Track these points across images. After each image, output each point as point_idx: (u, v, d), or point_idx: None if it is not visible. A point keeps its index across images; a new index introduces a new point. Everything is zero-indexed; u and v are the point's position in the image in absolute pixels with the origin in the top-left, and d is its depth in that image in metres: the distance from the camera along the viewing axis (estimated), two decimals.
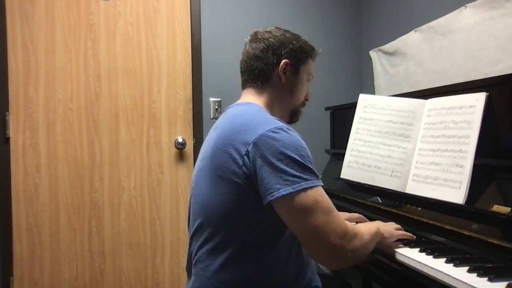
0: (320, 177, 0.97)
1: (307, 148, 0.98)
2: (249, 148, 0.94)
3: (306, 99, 1.24)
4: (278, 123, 0.99)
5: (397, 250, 1.11)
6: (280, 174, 0.91)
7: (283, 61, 1.12)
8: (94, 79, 2.31)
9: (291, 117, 1.22)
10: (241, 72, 1.18)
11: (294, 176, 0.91)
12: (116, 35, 2.34)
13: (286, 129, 0.97)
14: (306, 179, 0.92)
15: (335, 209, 0.95)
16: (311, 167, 0.95)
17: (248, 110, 1.07)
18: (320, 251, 0.94)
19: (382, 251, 1.14)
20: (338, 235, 0.92)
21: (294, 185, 0.91)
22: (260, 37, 1.15)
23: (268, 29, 1.17)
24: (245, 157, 0.95)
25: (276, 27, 1.18)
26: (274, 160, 0.92)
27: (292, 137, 0.96)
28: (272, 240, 1.00)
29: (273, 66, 1.13)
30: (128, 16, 2.35)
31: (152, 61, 2.39)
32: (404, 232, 1.16)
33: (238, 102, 1.16)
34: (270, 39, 1.13)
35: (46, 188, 2.25)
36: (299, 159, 0.93)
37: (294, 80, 1.16)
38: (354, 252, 0.95)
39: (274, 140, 0.93)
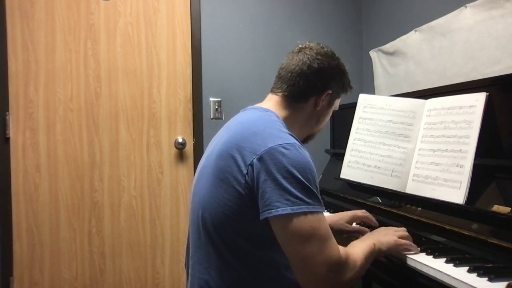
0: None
1: (315, 171, 0.94)
2: (256, 159, 0.91)
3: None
4: (291, 139, 0.95)
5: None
6: (282, 192, 0.88)
7: (328, 91, 1.12)
8: (94, 79, 2.31)
9: (304, 141, 1.20)
10: (279, 77, 1.14)
11: (296, 197, 0.88)
12: (116, 35, 2.34)
13: (298, 147, 0.93)
14: (308, 203, 0.89)
15: (332, 237, 0.91)
16: (315, 191, 0.91)
17: (264, 118, 1.04)
18: (308, 280, 0.90)
19: None
20: (328, 267, 0.88)
21: (294, 207, 0.87)
22: (317, 58, 1.11)
23: (325, 50, 1.13)
24: (249, 167, 0.92)
25: (332, 52, 1.15)
26: (279, 177, 0.89)
27: (302, 157, 0.92)
28: (269, 250, 0.98)
29: (316, 92, 1.11)
30: (128, 16, 2.35)
31: (152, 61, 2.39)
32: (404, 246, 1.09)
33: (257, 105, 1.13)
34: (326, 66, 1.11)
35: (46, 188, 2.25)
36: (305, 181, 0.90)
37: (325, 110, 1.16)
38: (344, 282, 0.92)
39: (283, 156, 0.90)
